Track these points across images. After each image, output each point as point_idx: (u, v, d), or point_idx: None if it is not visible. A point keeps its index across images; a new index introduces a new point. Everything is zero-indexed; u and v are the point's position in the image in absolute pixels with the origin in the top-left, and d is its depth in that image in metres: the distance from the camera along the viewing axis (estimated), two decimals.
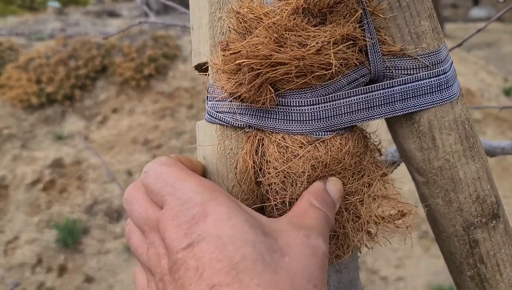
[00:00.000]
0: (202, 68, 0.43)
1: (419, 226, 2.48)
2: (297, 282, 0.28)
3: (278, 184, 0.39)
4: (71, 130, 3.22)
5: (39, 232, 2.50)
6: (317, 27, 0.34)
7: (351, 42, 0.36)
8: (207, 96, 0.41)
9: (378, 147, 0.43)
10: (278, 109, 0.37)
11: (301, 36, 0.34)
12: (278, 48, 0.34)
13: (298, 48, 0.34)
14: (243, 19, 0.36)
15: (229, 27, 0.39)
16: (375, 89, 0.38)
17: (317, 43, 0.34)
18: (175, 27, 3.97)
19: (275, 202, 0.39)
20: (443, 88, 0.39)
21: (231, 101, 0.38)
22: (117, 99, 3.46)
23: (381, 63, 0.38)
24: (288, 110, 0.37)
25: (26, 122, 3.21)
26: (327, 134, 0.38)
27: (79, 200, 2.70)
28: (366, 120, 0.38)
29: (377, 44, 0.37)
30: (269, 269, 0.28)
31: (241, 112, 0.38)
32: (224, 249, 0.28)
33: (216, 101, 0.40)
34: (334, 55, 0.34)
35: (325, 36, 0.34)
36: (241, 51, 0.34)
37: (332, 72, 0.35)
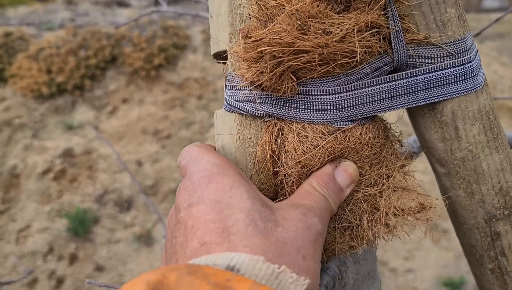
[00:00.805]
0: (221, 56, 0.42)
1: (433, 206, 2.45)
2: (286, 250, 0.29)
3: (295, 173, 0.38)
4: (81, 120, 3.24)
5: (50, 221, 2.53)
6: (341, 14, 0.34)
7: (375, 29, 0.35)
8: (226, 85, 0.41)
9: (398, 138, 0.43)
10: (299, 98, 0.37)
11: (324, 23, 0.33)
12: (301, 35, 0.33)
13: (321, 35, 0.33)
14: (264, 5, 0.35)
15: (249, 15, 0.38)
16: (398, 78, 0.37)
17: (341, 30, 0.33)
18: (185, 17, 3.95)
19: (290, 191, 0.38)
20: (468, 77, 0.38)
21: (251, 90, 0.37)
22: (127, 89, 3.46)
23: (404, 51, 0.37)
24: (310, 99, 0.37)
25: (37, 112, 3.23)
26: (349, 124, 0.37)
27: (89, 190, 2.72)
28: (388, 110, 0.38)
29: (400, 32, 0.37)
30: (260, 234, 0.29)
31: (261, 101, 0.38)
32: (220, 212, 0.30)
33: (236, 90, 0.39)
34: (358, 43, 0.33)
35: (349, 24, 0.33)
36: (263, 38, 0.34)
37: (356, 60, 0.34)
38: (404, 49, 0.37)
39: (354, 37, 0.33)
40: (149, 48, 3.53)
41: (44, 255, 2.38)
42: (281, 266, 0.27)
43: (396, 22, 0.36)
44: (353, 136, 0.38)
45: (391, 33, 0.36)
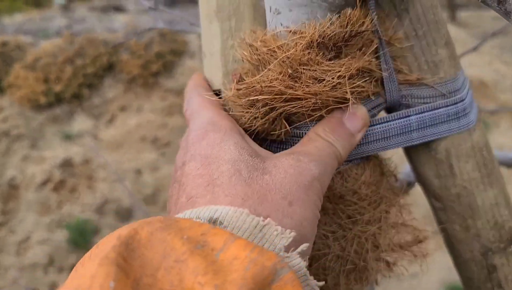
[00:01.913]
0: (215, 94, 0.43)
1: (432, 222, 2.46)
2: (270, 197, 0.28)
3: None
4: (80, 129, 3.24)
5: (50, 232, 2.52)
6: (332, 61, 0.34)
7: (367, 74, 0.35)
8: None
9: (394, 173, 0.43)
10: (293, 140, 0.37)
11: (316, 71, 0.33)
12: (292, 83, 0.33)
13: (313, 83, 0.33)
14: (256, 51, 0.35)
15: (242, 58, 0.38)
16: (392, 118, 0.37)
17: (333, 78, 0.33)
18: (182, 22, 3.95)
19: None
20: (460, 115, 0.38)
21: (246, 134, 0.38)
22: (125, 97, 3.46)
23: (397, 92, 0.37)
24: None
25: (34, 121, 3.23)
26: (344, 165, 0.38)
27: (89, 200, 2.72)
28: (383, 150, 0.38)
29: (393, 73, 0.37)
30: (243, 183, 0.29)
31: (256, 143, 0.38)
32: (208, 166, 0.30)
33: None
34: (350, 90, 0.34)
35: (341, 71, 0.33)
36: (255, 86, 0.34)
37: (349, 106, 0.34)
38: (396, 90, 0.37)
39: (346, 84, 0.33)
40: (146, 55, 3.53)
41: (45, 267, 2.38)
42: (266, 219, 0.27)
43: (389, 64, 0.36)
44: (349, 177, 0.38)
45: (383, 75, 0.36)
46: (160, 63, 3.53)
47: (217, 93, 0.41)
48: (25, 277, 2.26)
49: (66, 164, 2.89)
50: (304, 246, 0.27)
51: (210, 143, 0.32)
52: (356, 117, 0.35)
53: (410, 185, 0.48)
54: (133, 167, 2.93)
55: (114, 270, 0.21)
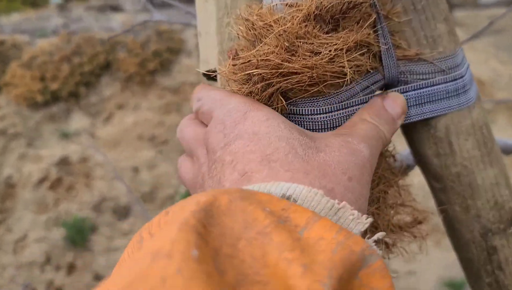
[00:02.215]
0: (210, 75, 0.42)
1: (430, 219, 2.46)
2: (330, 171, 0.28)
3: None
4: (77, 128, 3.23)
5: (47, 230, 2.51)
6: (329, 34, 0.33)
7: (365, 48, 0.35)
8: None
9: (392, 153, 0.42)
10: (290, 118, 0.36)
11: (313, 44, 0.33)
12: (289, 57, 0.33)
13: (310, 56, 0.32)
14: (252, 26, 0.35)
15: (237, 34, 0.37)
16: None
17: (330, 51, 0.32)
18: (179, 20, 3.95)
19: None
20: (460, 92, 0.38)
21: None
22: (122, 95, 3.45)
23: (395, 68, 0.37)
24: (300, 118, 0.36)
25: (31, 120, 3.22)
26: None
27: (87, 198, 2.71)
28: None
29: (391, 49, 0.36)
30: (301, 159, 0.28)
31: None
32: (259, 142, 0.29)
33: None
34: (347, 63, 0.33)
35: (338, 44, 0.33)
36: (251, 60, 0.33)
37: (347, 80, 0.34)
38: (395, 65, 0.37)
39: (343, 57, 0.33)
40: (143, 53, 3.52)
41: (42, 265, 2.37)
42: (342, 202, 0.25)
43: (387, 39, 0.36)
44: None
45: (381, 50, 0.36)
46: (157, 61, 3.53)
47: (213, 71, 0.40)
48: (22, 276, 2.25)
49: (63, 162, 2.88)
50: (380, 235, 0.26)
51: (255, 121, 0.30)
52: (396, 104, 0.35)
53: (409, 167, 0.47)
54: (131, 165, 2.92)
55: (195, 237, 0.19)
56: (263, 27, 0.34)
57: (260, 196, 0.24)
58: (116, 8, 5.99)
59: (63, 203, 2.68)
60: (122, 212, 2.68)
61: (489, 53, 4.43)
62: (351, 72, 0.33)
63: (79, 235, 2.46)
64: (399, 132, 0.43)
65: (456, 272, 2.18)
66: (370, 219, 0.25)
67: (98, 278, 2.34)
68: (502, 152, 0.68)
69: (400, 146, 0.46)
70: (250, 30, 0.35)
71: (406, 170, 0.46)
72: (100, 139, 3.15)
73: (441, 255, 2.28)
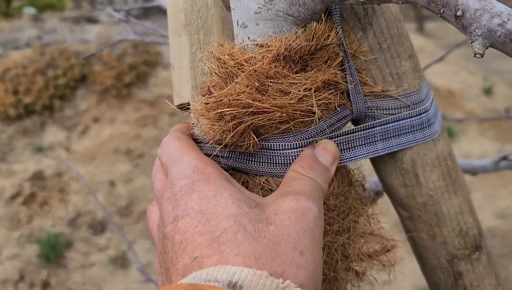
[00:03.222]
0: (184, 107, 0.43)
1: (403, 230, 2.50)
2: (281, 250, 0.28)
3: None
4: (52, 142, 3.17)
5: (20, 247, 2.45)
6: (298, 74, 0.34)
7: (333, 87, 0.36)
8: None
9: (362, 183, 0.43)
10: (261, 152, 0.37)
11: (282, 83, 0.34)
12: (260, 96, 0.34)
13: (280, 96, 0.34)
14: (224, 64, 0.36)
15: (210, 70, 0.38)
16: (356, 130, 0.38)
17: (299, 91, 0.33)
18: (155, 33, 3.94)
19: None
20: (424, 126, 0.39)
21: (214, 145, 0.38)
22: (98, 108, 3.42)
23: (363, 104, 0.38)
24: (271, 153, 0.37)
25: (3, 134, 3.15)
26: None
27: (61, 213, 2.66)
28: (349, 161, 0.39)
29: (358, 86, 0.37)
30: (251, 239, 0.28)
31: (225, 155, 0.38)
32: (207, 223, 0.29)
33: (200, 144, 0.39)
34: (316, 102, 0.34)
35: (307, 84, 0.34)
36: (223, 100, 0.34)
37: (315, 119, 0.35)
38: (362, 101, 0.38)
39: (312, 97, 0.34)
40: (119, 66, 3.50)
41: (15, 283, 2.31)
42: (285, 281, 0.26)
43: (354, 76, 0.37)
44: None
45: (349, 87, 0.37)
46: (133, 74, 3.50)
47: (187, 105, 0.41)
48: None
49: (37, 177, 2.83)
50: None
51: (202, 197, 0.31)
52: (326, 152, 0.36)
53: (378, 194, 0.49)
54: (107, 179, 2.88)
55: None
56: (234, 66, 0.35)
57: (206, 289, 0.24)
58: (91, 20, 5.94)
59: (36, 219, 2.62)
60: (98, 227, 2.64)
61: (459, 65, 4.56)
62: (319, 111, 0.34)
63: (53, 252, 2.40)
64: (369, 163, 0.44)
65: None
66: None
67: None
68: (469, 173, 0.70)
69: (369, 173, 0.48)
70: (221, 68, 0.36)
71: (375, 197, 0.47)
72: (75, 152, 3.10)
73: (416, 265, 2.32)
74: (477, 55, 0.27)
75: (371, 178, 0.59)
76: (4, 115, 3.19)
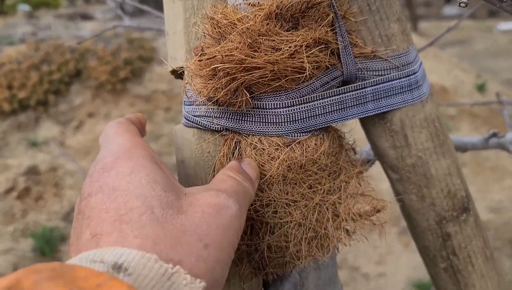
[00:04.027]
0: (178, 73, 0.43)
1: (398, 222, 2.52)
2: (184, 239, 0.27)
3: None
4: (46, 136, 3.16)
5: (15, 241, 2.45)
6: (289, 32, 0.35)
7: (324, 45, 0.37)
8: (184, 101, 0.42)
9: (352, 146, 0.44)
10: (254, 112, 0.38)
11: (274, 40, 0.35)
12: (252, 52, 0.35)
13: (272, 52, 0.34)
14: (217, 24, 0.37)
15: (203, 33, 0.39)
16: (348, 90, 0.39)
17: (290, 47, 0.34)
18: (150, 29, 3.93)
19: (253, 205, 0.39)
20: (413, 88, 0.40)
21: (208, 105, 0.38)
22: (93, 103, 3.41)
23: (353, 65, 0.39)
24: (264, 112, 0.38)
25: None
26: (303, 135, 0.39)
27: (56, 208, 2.65)
28: (340, 121, 0.39)
29: (348, 46, 0.38)
30: (155, 223, 0.27)
31: (218, 116, 0.39)
32: (115, 200, 0.28)
33: (194, 105, 0.40)
34: (307, 59, 0.35)
35: (298, 41, 0.35)
36: (216, 56, 0.35)
37: (306, 75, 0.36)
38: (352, 62, 0.39)
39: (303, 53, 0.35)
40: (114, 61, 3.49)
41: None
42: (175, 266, 0.25)
43: (344, 37, 0.38)
44: (308, 147, 0.39)
45: (339, 47, 0.38)
46: (128, 69, 3.50)
47: (180, 70, 0.41)
48: None
49: (31, 171, 2.82)
50: None
51: (119, 173, 0.30)
52: (251, 167, 0.37)
53: (369, 162, 0.50)
54: None
55: None
56: (227, 25, 0.36)
57: (78, 271, 0.23)
58: (86, 17, 5.92)
59: (31, 213, 2.61)
60: None
61: (453, 62, 4.59)
62: (310, 67, 0.35)
63: (48, 246, 2.40)
64: (359, 128, 0.45)
65: (424, 273, 2.23)
66: (203, 284, 0.25)
67: None
68: (459, 150, 0.71)
69: (361, 143, 0.49)
70: (215, 28, 0.37)
71: (367, 163, 0.48)
72: (70, 147, 3.10)
73: (410, 257, 2.33)
74: (461, 4, 0.28)
75: (363, 147, 0.60)
76: None
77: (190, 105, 0.41)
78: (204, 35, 0.39)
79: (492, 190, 2.99)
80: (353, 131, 0.46)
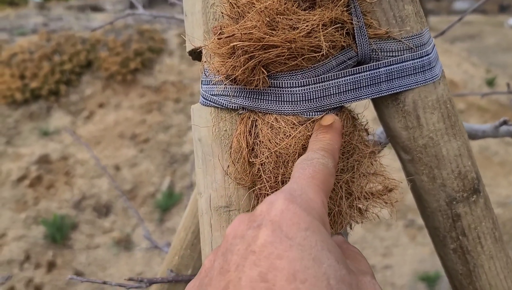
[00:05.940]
0: (196, 53, 0.45)
1: (405, 215, 2.52)
2: None
3: (271, 163, 0.40)
4: (57, 126, 3.20)
5: (27, 228, 2.49)
6: (306, 11, 0.36)
7: (339, 25, 0.38)
8: (202, 80, 0.43)
9: (365, 127, 0.45)
10: (270, 90, 0.39)
11: (291, 19, 0.36)
12: (270, 31, 0.35)
13: (289, 31, 0.35)
14: (236, 4, 0.38)
15: (222, 13, 0.40)
16: (362, 70, 0.40)
17: (307, 26, 0.35)
18: (160, 20, 3.95)
19: (269, 182, 0.41)
20: (426, 69, 0.41)
21: (225, 84, 0.40)
22: (103, 94, 3.44)
23: (367, 45, 0.40)
24: (280, 91, 0.39)
25: (10, 118, 3.18)
26: (318, 114, 0.40)
27: (67, 196, 2.69)
28: (354, 100, 0.40)
29: (363, 27, 0.39)
30: None
31: (235, 94, 0.40)
32: (289, 249, 0.26)
33: (211, 84, 0.41)
34: (323, 37, 0.36)
35: (315, 20, 0.36)
36: (235, 34, 0.36)
37: (322, 54, 0.37)
38: (367, 43, 0.40)
39: (319, 32, 0.36)
40: (125, 52, 3.52)
41: (21, 263, 2.34)
42: None
43: (359, 17, 0.39)
44: None
45: (354, 28, 0.39)
46: (138, 61, 3.52)
47: (198, 49, 0.43)
48: (1, 274, 2.22)
49: (43, 160, 2.86)
50: None
51: (294, 223, 0.28)
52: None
53: (381, 144, 0.51)
54: (112, 163, 2.91)
55: None
56: (246, 4, 0.37)
57: None
58: (96, 8, 5.94)
59: (42, 201, 2.65)
60: (103, 210, 2.67)
61: (463, 57, 4.56)
62: (326, 46, 0.36)
63: (59, 233, 2.44)
64: (373, 112, 0.46)
65: (430, 266, 2.24)
66: None
67: (78, 275, 2.33)
68: (469, 138, 0.72)
69: (374, 126, 0.49)
70: (233, 8, 0.38)
71: (379, 145, 0.49)
72: (81, 137, 3.13)
73: (416, 250, 2.34)
74: None
75: (375, 130, 0.61)
76: (11, 99, 3.22)
77: (207, 84, 0.42)
78: (223, 16, 0.40)
79: (500, 184, 2.98)
80: (365, 112, 0.46)
